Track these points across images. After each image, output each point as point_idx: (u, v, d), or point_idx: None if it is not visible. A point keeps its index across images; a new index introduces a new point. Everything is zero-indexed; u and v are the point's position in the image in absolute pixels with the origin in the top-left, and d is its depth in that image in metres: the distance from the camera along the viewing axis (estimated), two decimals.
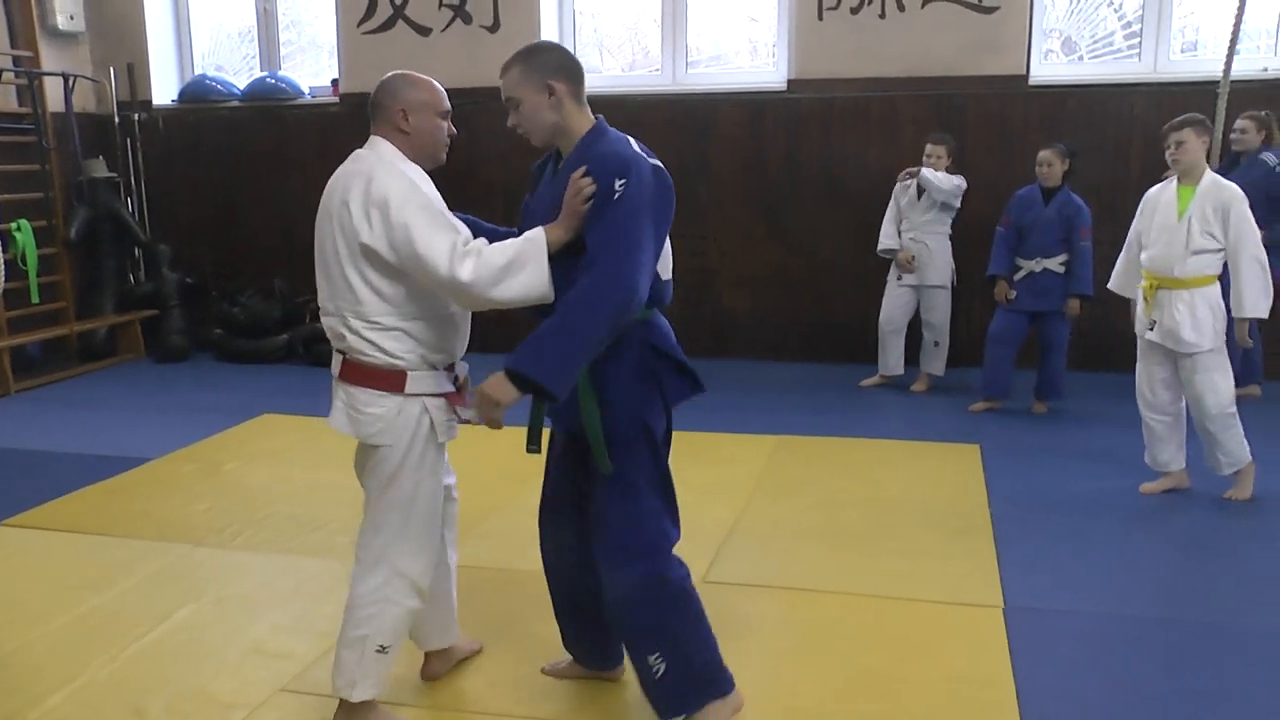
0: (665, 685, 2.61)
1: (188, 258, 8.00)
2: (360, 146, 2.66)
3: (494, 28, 7.24)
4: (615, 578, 2.57)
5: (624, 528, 2.56)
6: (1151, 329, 4.38)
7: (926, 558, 3.88)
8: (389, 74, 2.64)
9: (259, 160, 7.88)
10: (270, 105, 7.85)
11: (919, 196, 6.27)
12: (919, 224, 6.29)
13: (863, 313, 6.69)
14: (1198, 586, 3.70)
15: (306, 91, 7.95)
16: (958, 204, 6.24)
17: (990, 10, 6.59)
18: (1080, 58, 7.02)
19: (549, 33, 7.34)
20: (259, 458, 5.24)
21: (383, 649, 2.68)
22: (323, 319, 2.66)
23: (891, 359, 6.49)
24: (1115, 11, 6.90)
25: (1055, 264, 5.74)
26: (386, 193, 2.48)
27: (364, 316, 2.54)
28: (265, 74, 8.02)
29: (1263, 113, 5.87)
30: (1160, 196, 4.40)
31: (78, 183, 7.69)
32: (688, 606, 2.62)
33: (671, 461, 2.74)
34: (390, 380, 2.57)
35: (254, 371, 7.29)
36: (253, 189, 7.93)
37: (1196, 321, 4.23)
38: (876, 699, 2.91)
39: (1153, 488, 4.58)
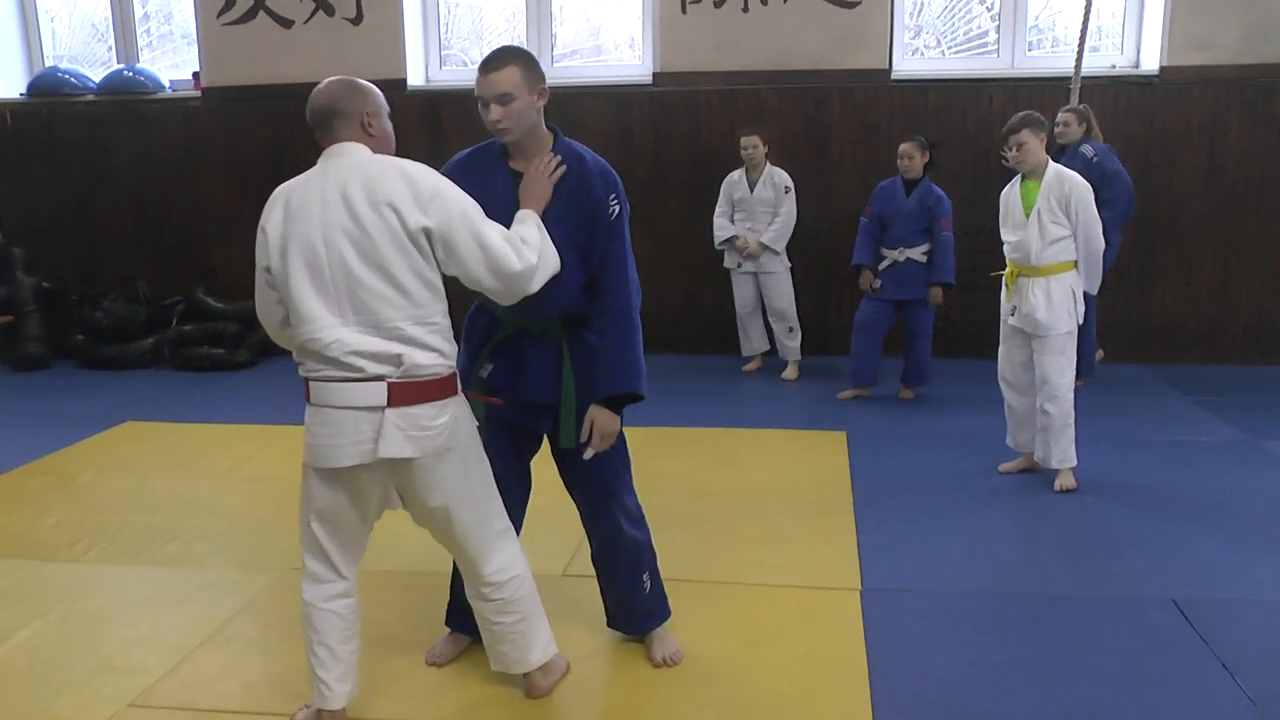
0: (653, 597, 3.09)
1: (45, 260, 7.66)
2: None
3: (357, 20, 7.12)
4: (624, 506, 2.96)
5: (624, 467, 2.98)
6: (1013, 315, 4.56)
7: (787, 544, 3.96)
8: (329, 81, 2.58)
9: (119, 157, 7.58)
10: (129, 99, 7.57)
11: (751, 190, 6.41)
12: (756, 214, 6.44)
13: (731, 303, 6.76)
14: (1042, 561, 3.87)
15: (167, 85, 7.68)
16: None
17: (853, 5, 6.74)
18: (943, 53, 7.23)
19: (412, 26, 7.24)
20: (117, 467, 5.05)
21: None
22: (346, 349, 2.42)
23: (754, 338, 6.72)
24: (988, 10, 7.12)
25: (918, 254, 5.90)
26: (437, 185, 2.49)
27: (424, 320, 2.48)
28: (123, 67, 7.72)
29: (1081, 106, 6.15)
30: (1010, 195, 4.59)
31: None
32: (650, 532, 3.10)
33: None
34: (448, 385, 2.54)
35: (118, 378, 7.03)
36: (113, 187, 7.63)
37: (1051, 305, 4.42)
38: (726, 685, 2.95)
39: (1010, 467, 4.77)
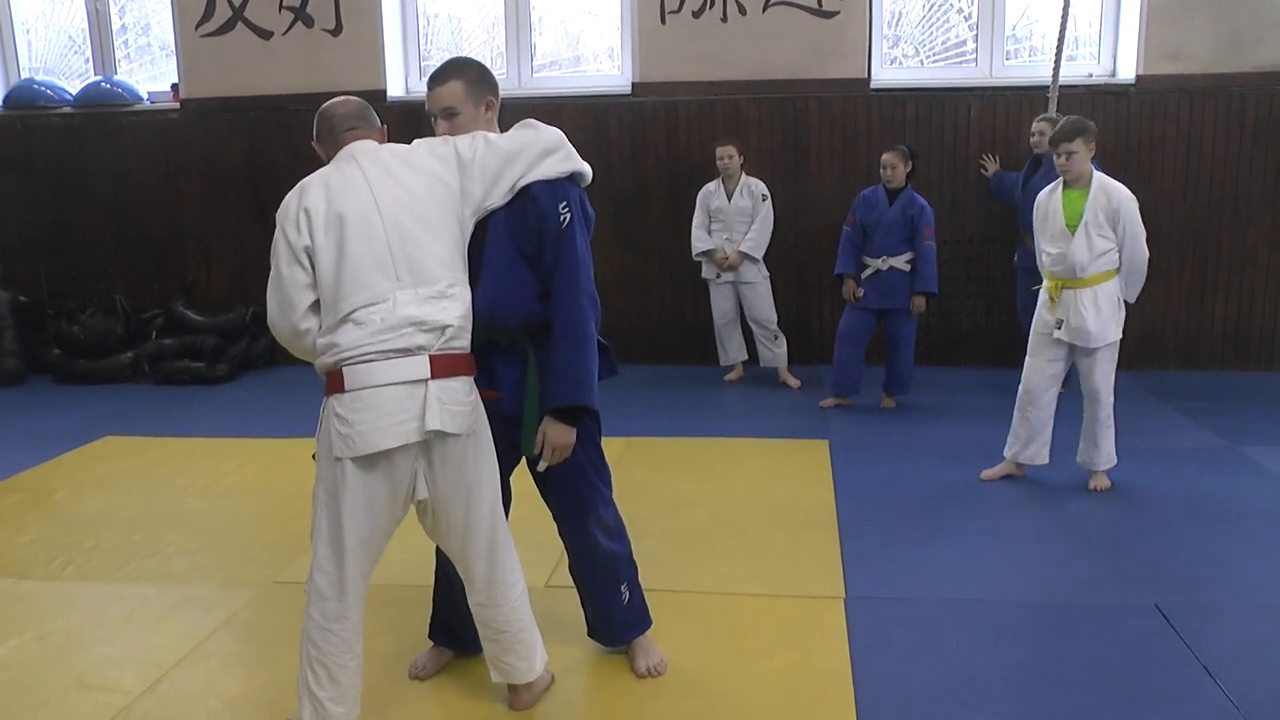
0: (633, 608, 3.06)
1: (21, 275, 7.59)
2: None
3: (336, 31, 7.10)
4: (599, 518, 2.94)
5: (600, 479, 2.94)
6: (1059, 327, 4.50)
7: (770, 553, 3.95)
8: (345, 98, 2.73)
9: (96, 169, 7.53)
10: (106, 111, 7.52)
11: (729, 200, 6.43)
12: (734, 224, 6.46)
13: (710, 313, 6.76)
14: (1024, 568, 3.87)
15: (145, 97, 7.63)
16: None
17: (830, 15, 6.77)
18: (921, 62, 7.27)
19: (392, 37, 7.23)
20: (95, 483, 5.00)
21: None
22: (400, 315, 2.48)
23: (732, 349, 6.73)
24: (966, 19, 7.16)
25: (901, 262, 5.91)
26: (455, 147, 2.66)
27: (462, 281, 2.60)
28: (100, 78, 7.68)
29: (1055, 115, 6.17)
30: (1049, 203, 4.53)
31: None
32: (630, 544, 3.08)
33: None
34: (473, 364, 2.63)
35: (96, 393, 6.96)
36: (90, 200, 7.57)
37: (1101, 317, 4.40)
38: (710, 695, 2.94)
39: (991, 474, 4.78)
